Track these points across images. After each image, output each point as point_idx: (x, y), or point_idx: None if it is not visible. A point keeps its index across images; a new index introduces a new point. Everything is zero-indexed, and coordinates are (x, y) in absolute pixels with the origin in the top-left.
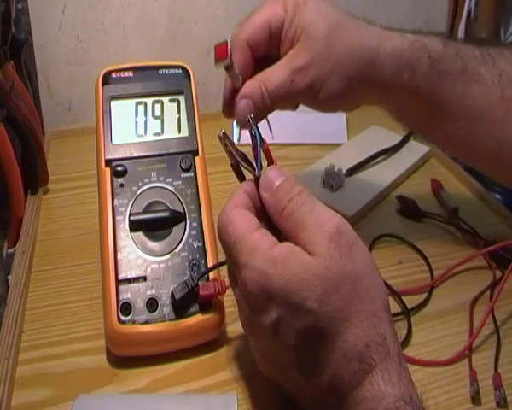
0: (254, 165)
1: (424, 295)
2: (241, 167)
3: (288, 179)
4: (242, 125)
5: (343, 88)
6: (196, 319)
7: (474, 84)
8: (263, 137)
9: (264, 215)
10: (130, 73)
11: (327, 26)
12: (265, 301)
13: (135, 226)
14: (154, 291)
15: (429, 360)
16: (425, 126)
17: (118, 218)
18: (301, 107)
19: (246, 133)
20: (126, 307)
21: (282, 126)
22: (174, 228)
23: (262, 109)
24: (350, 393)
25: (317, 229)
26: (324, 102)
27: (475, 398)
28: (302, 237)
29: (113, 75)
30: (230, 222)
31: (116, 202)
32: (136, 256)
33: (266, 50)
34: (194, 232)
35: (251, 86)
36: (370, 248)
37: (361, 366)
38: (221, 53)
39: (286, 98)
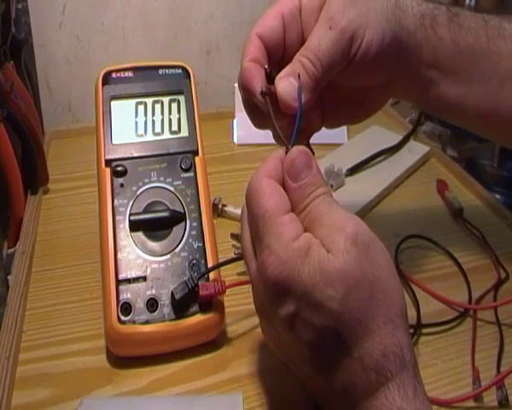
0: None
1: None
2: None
3: (314, 176)
4: (286, 107)
5: (382, 32)
6: (196, 319)
7: (500, 38)
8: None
9: None
10: (130, 73)
11: None
12: (284, 292)
13: (135, 226)
14: (154, 291)
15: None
16: (443, 90)
17: (118, 218)
18: None
19: (245, 135)
20: (126, 307)
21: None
22: (174, 228)
23: (310, 78)
24: (362, 400)
25: (334, 228)
26: (366, 60)
27: (477, 397)
28: (317, 234)
29: (113, 75)
30: (263, 193)
31: (116, 202)
32: (136, 256)
33: (282, 44)
34: (194, 232)
35: (292, 62)
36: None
37: (378, 377)
38: None
39: (330, 52)
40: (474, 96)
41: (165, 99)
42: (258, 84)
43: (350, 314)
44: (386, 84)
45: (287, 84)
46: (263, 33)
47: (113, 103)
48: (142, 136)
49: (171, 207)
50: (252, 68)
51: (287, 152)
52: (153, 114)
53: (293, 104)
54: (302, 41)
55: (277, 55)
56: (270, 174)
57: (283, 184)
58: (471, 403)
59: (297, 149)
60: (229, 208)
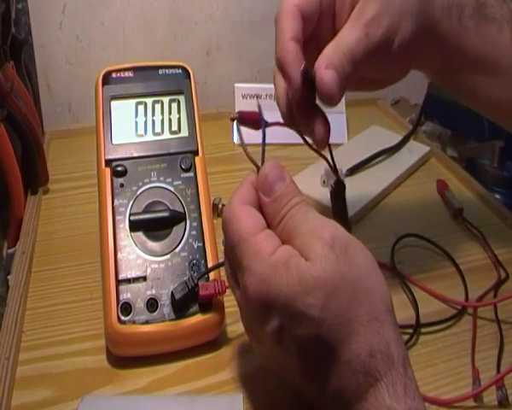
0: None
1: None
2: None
3: (287, 187)
4: (330, 99)
5: (413, 30)
6: (196, 319)
7: None
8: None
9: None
10: (130, 73)
11: None
12: (267, 309)
13: (135, 226)
14: (154, 291)
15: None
16: (466, 78)
17: (118, 218)
18: None
19: (245, 135)
20: (126, 307)
21: (282, 127)
22: (174, 228)
23: (344, 77)
24: (355, 404)
25: (311, 235)
26: (399, 54)
27: (477, 397)
28: (296, 244)
29: (113, 75)
30: (237, 220)
31: (116, 202)
32: (136, 256)
33: (315, 24)
34: (194, 232)
35: (329, 54)
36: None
37: (366, 379)
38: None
39: (363, 57)
40: (494, 86)
41: (165, 99)
42: (299, 70)
43: (332, 319)
44: (406, 64)
45: (332, 75)
46: (300, 4)
47: (113, 103)
48: (142, 136)
49: (171, 207)
50: (294, 49)
51: (258, 171)
52: (153, 114)
53: (337, 96)
54: (333, 24)
55: (308, 30)
56: (244, 200)
57: (259, 203)
58: (471, 403)
59: (268, 164)
60: None
